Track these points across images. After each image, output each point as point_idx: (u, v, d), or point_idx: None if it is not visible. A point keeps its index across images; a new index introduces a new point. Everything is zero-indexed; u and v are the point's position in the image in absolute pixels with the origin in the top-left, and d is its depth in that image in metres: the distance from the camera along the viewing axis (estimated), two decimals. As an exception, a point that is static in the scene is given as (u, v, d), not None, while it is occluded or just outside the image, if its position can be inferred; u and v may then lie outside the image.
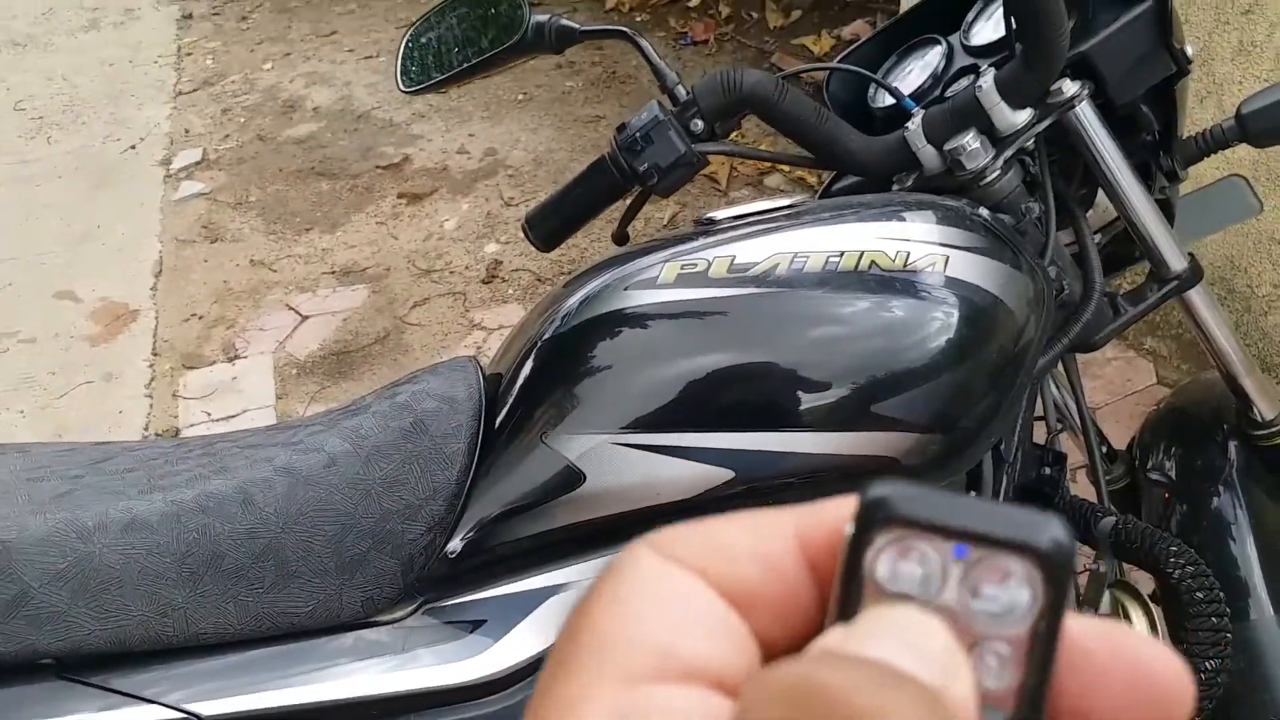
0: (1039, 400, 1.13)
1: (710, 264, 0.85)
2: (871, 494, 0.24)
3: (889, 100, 1.08)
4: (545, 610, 0.86)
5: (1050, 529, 0.23)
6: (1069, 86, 0.94)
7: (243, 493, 0.83)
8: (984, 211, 0.94)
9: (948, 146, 0.94)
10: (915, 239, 0.86)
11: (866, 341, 0.84)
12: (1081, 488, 1.38)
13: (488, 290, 2.93)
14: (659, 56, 1.03)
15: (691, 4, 4.32)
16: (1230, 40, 2.00)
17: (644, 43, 1.01)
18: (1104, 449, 1.30)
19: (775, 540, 0.25)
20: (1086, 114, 0.96)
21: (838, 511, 0.25)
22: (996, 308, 0.87)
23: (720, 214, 0.93)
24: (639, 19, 4.39)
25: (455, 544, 0.86)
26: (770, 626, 0.24)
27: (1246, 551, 1.11)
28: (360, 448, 0.87)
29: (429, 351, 2.72)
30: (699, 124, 0.97)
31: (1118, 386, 2.39)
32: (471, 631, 0.85)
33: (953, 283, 0.85)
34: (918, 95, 1.07)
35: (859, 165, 1.01)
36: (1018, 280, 0.89)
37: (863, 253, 0.84)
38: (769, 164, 3.34)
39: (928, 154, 0.96)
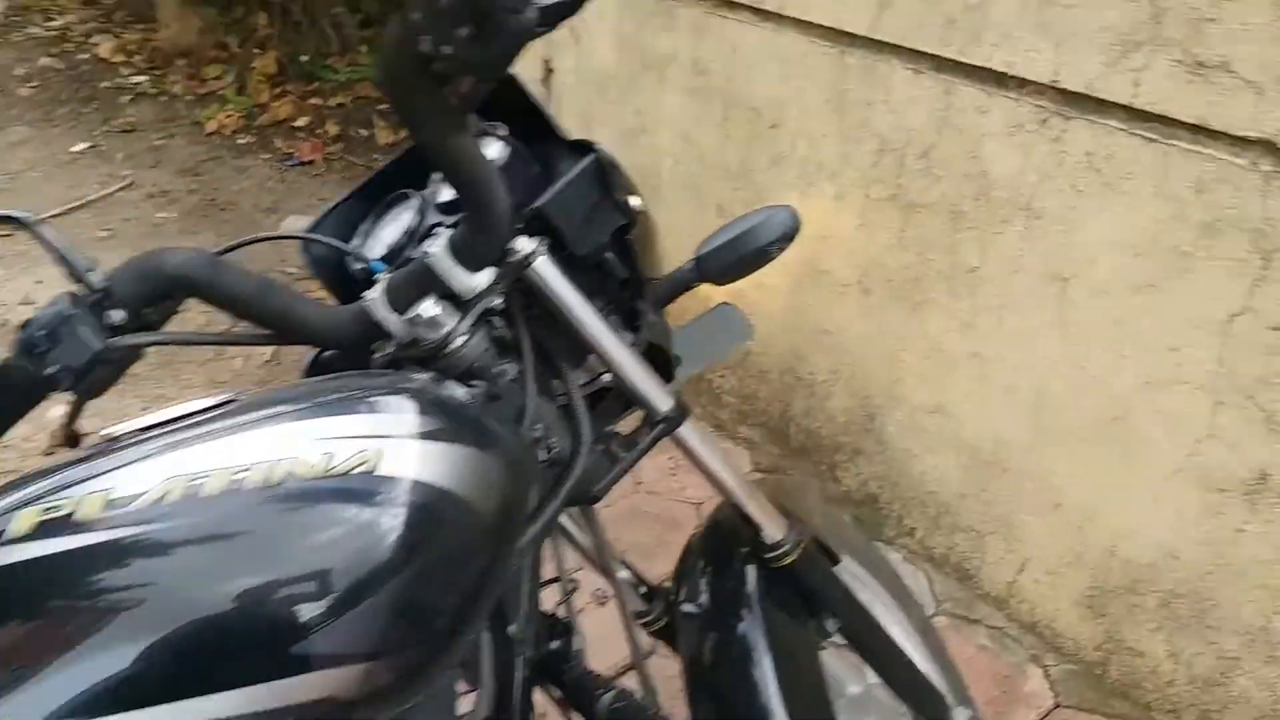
0: (562, 551, 1.09)
1: (79, 504, 0.69)
2: None
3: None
4: None
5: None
6: (524, 244, 0.91)
7: None
8: (449, 386, 0.87)
9: (408, 315, 0.88)
10: (345, 435, 0.75)
11: (274, 573, 0.70)
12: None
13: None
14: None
15: (298, 124, 4.18)
16: (764, 153, 2.17)
17: (42, 229, 0.87)
18: (643, 589, 1.29)
19: None
20: (546, 269, 0.94)
21: None
22: (444, 501, 0.77)
23: (124, 428, 0.77)
24: (241, 141, 4.18)
25: None
26: None
27: (765, 675, 1.12)
28: None
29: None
30: (118, 314, 0.85)
31: (719, 479, 2.47)
32: None
33: (387, 482, 0.74)
34: (392, 255, 1.01)
35: (324, 339, 0.93)
36: (478, 461, 0.81)
37: (277, 462, 0.72)
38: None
39: (393, 322, 0.89)
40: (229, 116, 4.25)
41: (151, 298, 0.86)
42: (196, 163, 4.07)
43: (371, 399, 0.79)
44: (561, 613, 1.11)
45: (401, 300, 0.88)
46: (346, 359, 0.98)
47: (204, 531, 0.70)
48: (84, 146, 4.27)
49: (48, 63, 5.08)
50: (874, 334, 2.07)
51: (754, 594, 1.20)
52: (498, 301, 0.93)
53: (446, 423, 0.80)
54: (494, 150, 0.99)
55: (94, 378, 0.83)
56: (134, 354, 0.86)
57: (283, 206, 3.70)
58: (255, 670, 0.70)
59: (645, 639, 1.31)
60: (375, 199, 1.08)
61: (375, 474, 0.73)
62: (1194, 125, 1.44)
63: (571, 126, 2.78)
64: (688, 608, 1.23)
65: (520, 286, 0.94)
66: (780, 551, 1.18)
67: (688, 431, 1.09)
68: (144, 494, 0.69)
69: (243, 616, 0.69)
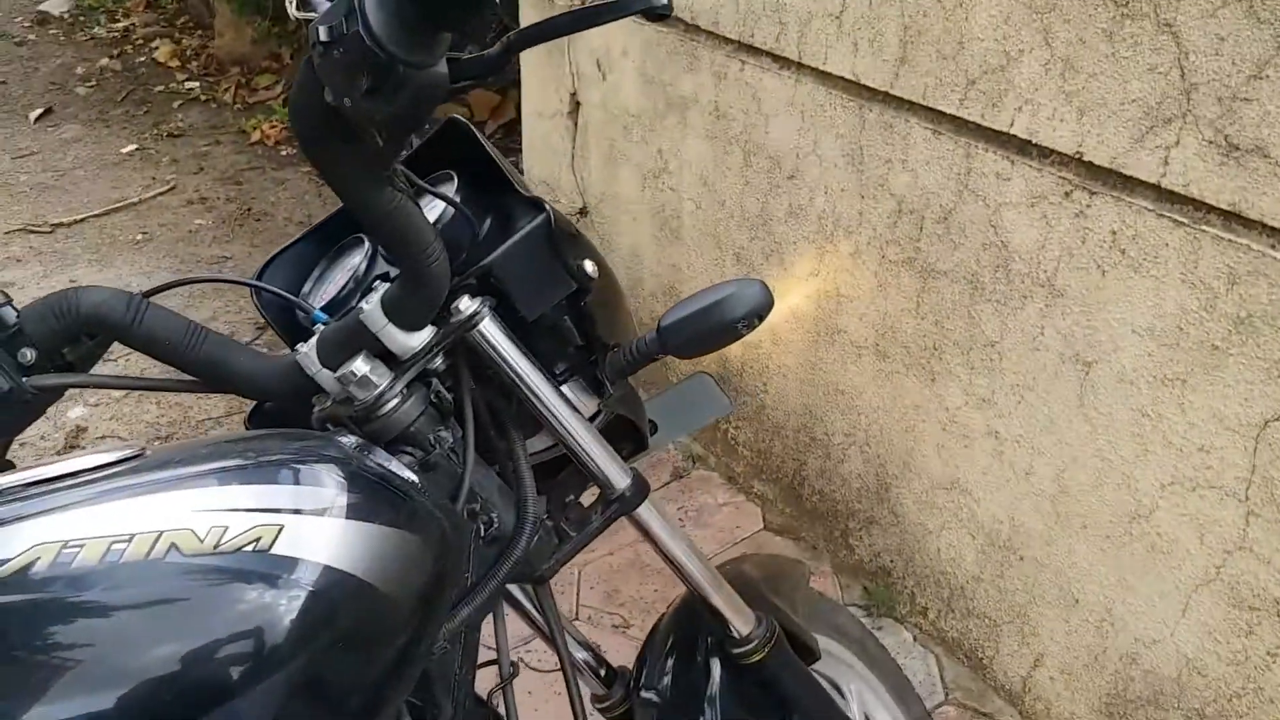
0: (504, 631, 1.02)
1: None
2: None
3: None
4: None
5: None
6: (467, 304, 0.86)
7: None
8: (376, 454, 0.81)
9: (339, 373, 0.83)
10: (242, 507, 0.69)
11: (144, 658, 0.65)
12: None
13: (64, 469, 2.56)
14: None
15: (339, 137, 4.17)
16: (782, 203, 2.06)
17: None
18: (603, 671, 1.21)
19: None
20: (491, 332, 0.88)
21: None
22: (345, 585, 0.71)
23: (8, 480, 0.71)
24: (284, 152, 4.19)
25: None
26: None
27: None
28: None
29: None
30: (29, 354, 0.81)
31: (727, 534, 2.37)
32: None
33: (281, 562, 0.68)
34: (337, 304, 0.95)
35: (255, 389, 0.87)
36: (393, 541, 0.74)
37: (161, 534, 0.66)
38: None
39: (325, 378, 0.84)
40: (273, 127, 4.26)
41: (65, 338, 0.82)
42: (238, 171, 4.09)
43: (283, 468, 0.73)
44: (497, 700, 1.03)
45: (333, 356, 0.83)
46: (288, 411, 0.92)
47: (64, 608, 0.64)
48: (132, 148, 4.32)
49: (107, 63, 5.16)
50: (890, 400, 1.95)
51: (716, 691, 1.13)
52: (438, 363, 0.87)
53: (361, 498, 0.73)
54: (435, 208, 0.93)
55: (6, 418, 0.80)
56: (50, 394, 0.82)
57: (316, 220, 3.69)
58: None
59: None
60: (334, 239, 1.03)
61: (270, 553, 0.67)
62: (1227, 211, 1.30)
63: (596, 163, 2.74)
64: (647, 695, 1.16)
65: (465, 349, 0.88)
66: (747, 648, 1.12)
67: (647, 512, 1.03)
68: (10, 560, 0.63)
69: (107, 703, 0.63)
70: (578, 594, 2.25)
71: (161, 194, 3.93)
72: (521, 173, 3.18)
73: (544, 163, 2.93)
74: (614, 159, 2.58)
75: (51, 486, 0.70)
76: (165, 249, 3.56)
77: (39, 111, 4.57)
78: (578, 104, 2.67)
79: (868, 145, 1.81)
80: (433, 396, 0.88)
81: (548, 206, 0.89)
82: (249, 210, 3.79)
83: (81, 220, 3.72)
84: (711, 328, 0.93)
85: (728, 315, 0.92)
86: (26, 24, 5.60)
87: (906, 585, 2.06)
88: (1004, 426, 1.72)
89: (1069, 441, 1.62)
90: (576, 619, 2.18)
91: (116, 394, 2.85)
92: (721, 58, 2.11)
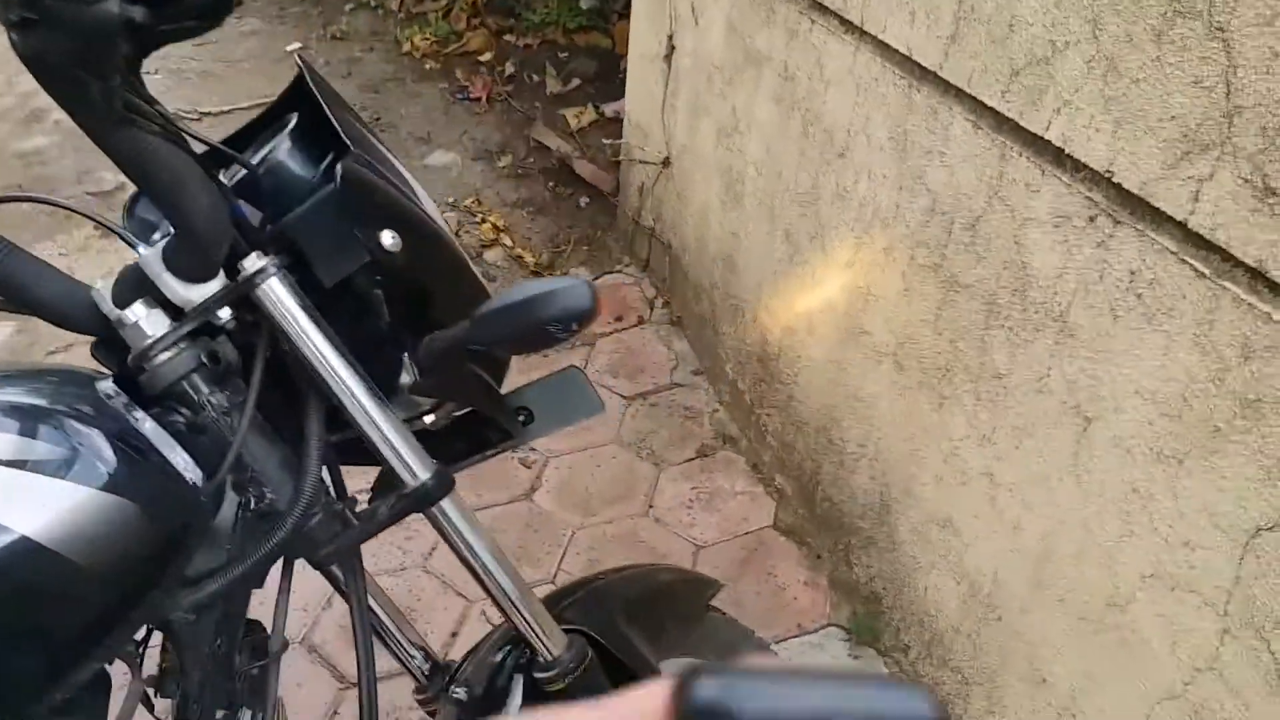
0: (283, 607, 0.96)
1: None
2: (698, 698, 0.23)
3: None
4: None
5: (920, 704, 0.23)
6: (253, 261, 0.80)
7: None
8: (126, 411, 0.77)
9: (116, 317, 0.79)
10: None
11: None
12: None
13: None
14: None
15: (483, 58, 4.17)
16: (830, 183, 1.88)
17: None
18: (429, 663, 1.13)
19: None
20: (277, 291, 0.82)
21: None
22: (13, 547, 0.67)
23: None
24: (428, 66, 4.22)
25: None
26: None
27: None
28: None
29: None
30: None
31: (733, 525, 2.23)
32: None
33: None
34: None
35: (59, 317, 0.83)
36: (94, 505, 0.69)
37: None
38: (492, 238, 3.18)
39: (115, 319, 0.80)
40: (425, 39, 4.30)
41: None
42: (381, 80, 4.15)
43: (9, 415, 0.69)
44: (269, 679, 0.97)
45: (124, 297, 0.79)
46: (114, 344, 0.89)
47: None
48: (296, 46, 4.45)
49: (293, -40, 5.33)
50: (902, 417, 1.76)
51: (515, 710, 1.05)
52: (225, 319, 0.82)
53: (82, 454, 0.69)
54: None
55: None
56: None
57: (435, 138, 3.71)
58: None
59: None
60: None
61: None
62: (1253, 269, 1.06)
63: (683, 113, 2.60)
64: (456, 693, 1.10)
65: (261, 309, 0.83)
66: (549, 674, 1.02)
67: (451, 510, 0.92)
68: None
69: None
70: (561, 558, 2.17)
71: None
72: (622, 116, 3.06)
73: (642, 107, 2.81)
74: (697, 110, 2.43)
75: None
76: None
77: None
78: (673, 48, 2.53)
79: (912, 130, 1.61)
80: (203, 356, 0.82)
81: (347, 169, 0.80)
82: (378, 119, 3.85)
83: (228, 111, 3.87)
84: (521, 325, 0.80)
85: (538, 314, 0.78)
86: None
87: (893, 618, 1.88)
88: (1000, 471, 1.51)
89: (1058, 502, 1.40)
90: (553, 582, 2.12)
91: None
92: (795, 13, 1.93)
